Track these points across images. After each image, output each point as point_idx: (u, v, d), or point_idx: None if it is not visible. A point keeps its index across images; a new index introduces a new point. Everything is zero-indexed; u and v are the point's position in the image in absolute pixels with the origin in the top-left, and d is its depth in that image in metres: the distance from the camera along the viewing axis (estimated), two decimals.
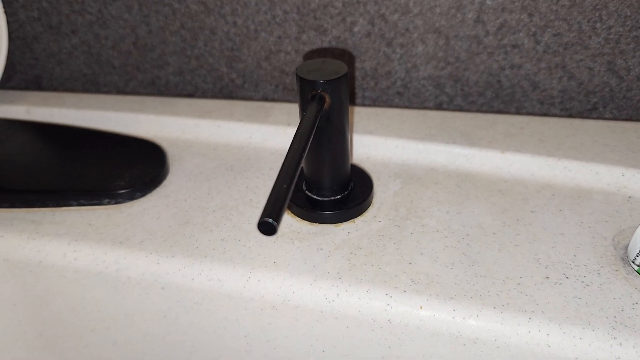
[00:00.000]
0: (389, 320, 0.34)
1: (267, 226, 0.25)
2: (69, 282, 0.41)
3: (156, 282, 0.39)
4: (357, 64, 0.54)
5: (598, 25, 0.47)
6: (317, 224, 0.41)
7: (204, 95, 0.60)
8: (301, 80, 0.36)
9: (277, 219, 0.25)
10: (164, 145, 0.52)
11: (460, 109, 0.54)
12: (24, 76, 0.65)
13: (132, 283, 0.39)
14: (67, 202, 0.45)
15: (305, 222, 0.41)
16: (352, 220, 0.41)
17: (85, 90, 0.64)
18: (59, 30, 0.60)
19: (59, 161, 0.49)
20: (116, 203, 0.45)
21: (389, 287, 0.35)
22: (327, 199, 0.41)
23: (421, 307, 0.34)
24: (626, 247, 0.37)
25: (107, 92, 0.63)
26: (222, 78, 0.58)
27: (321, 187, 0.41)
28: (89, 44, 0.60)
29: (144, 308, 0.40)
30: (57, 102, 0.58)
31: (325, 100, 0.36)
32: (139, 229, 0.42)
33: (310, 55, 0.54)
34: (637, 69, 0.49)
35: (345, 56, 0.53)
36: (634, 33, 0.47)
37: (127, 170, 0.47)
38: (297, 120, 0.51)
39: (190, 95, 0.60)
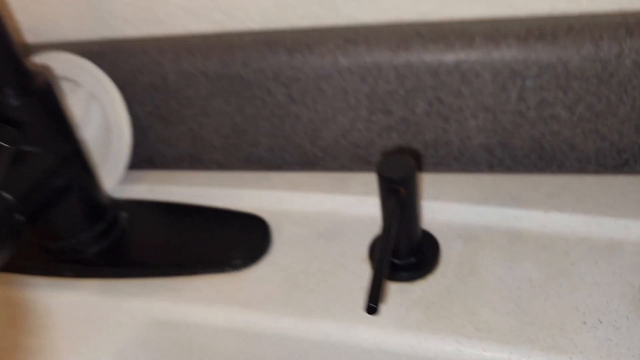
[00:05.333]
0: None
1: (372, 309, 0.36)
2: (209, 338, 0.53)
3: (276, 335, 0.50)
4: (420, 137, 0.64)
5: (624, 97, 0.56)
6: (397, 282, 0.51)
7: (290, 168, 0.72)
8: (381, 177, 0.47)
9: (377, 302, 0.36)
10: (264, 216, 0.63)
11: (509, 170, 0.64)
12: (139, 157, 0.78)
13: (259, 337, 0.51)
14: (196, 271, 0.57)
15: (389, 282, 0.52)
16: (425, 278, 0.51)
17: (192, 167, 0.77)
18: (168, 120, 0.73)
19: (185, 236, 0.61)
20: (235, 271, 0.57)
21: (458, 334, 0.45)
22: (405, 262, 0.52)
23: (484, 351, 0.44)
24: None
25: (210, 168, 0.76)
26: (306, 153, 0.70)
27: (399, 253, 0.52)
28: (193, 130, 0.73)
29: (268, 357, 0.52)
30: (172, 180, 0.72)
31: (401, 192, 0.47)
32: (258, 292, 0.53)
33: (391, 149, 0.65)
34: None
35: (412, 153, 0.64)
36: None
37: (241, 241, 0.59)
38: (372, 189, 0.62)
39: (279, 167, 0.72)
